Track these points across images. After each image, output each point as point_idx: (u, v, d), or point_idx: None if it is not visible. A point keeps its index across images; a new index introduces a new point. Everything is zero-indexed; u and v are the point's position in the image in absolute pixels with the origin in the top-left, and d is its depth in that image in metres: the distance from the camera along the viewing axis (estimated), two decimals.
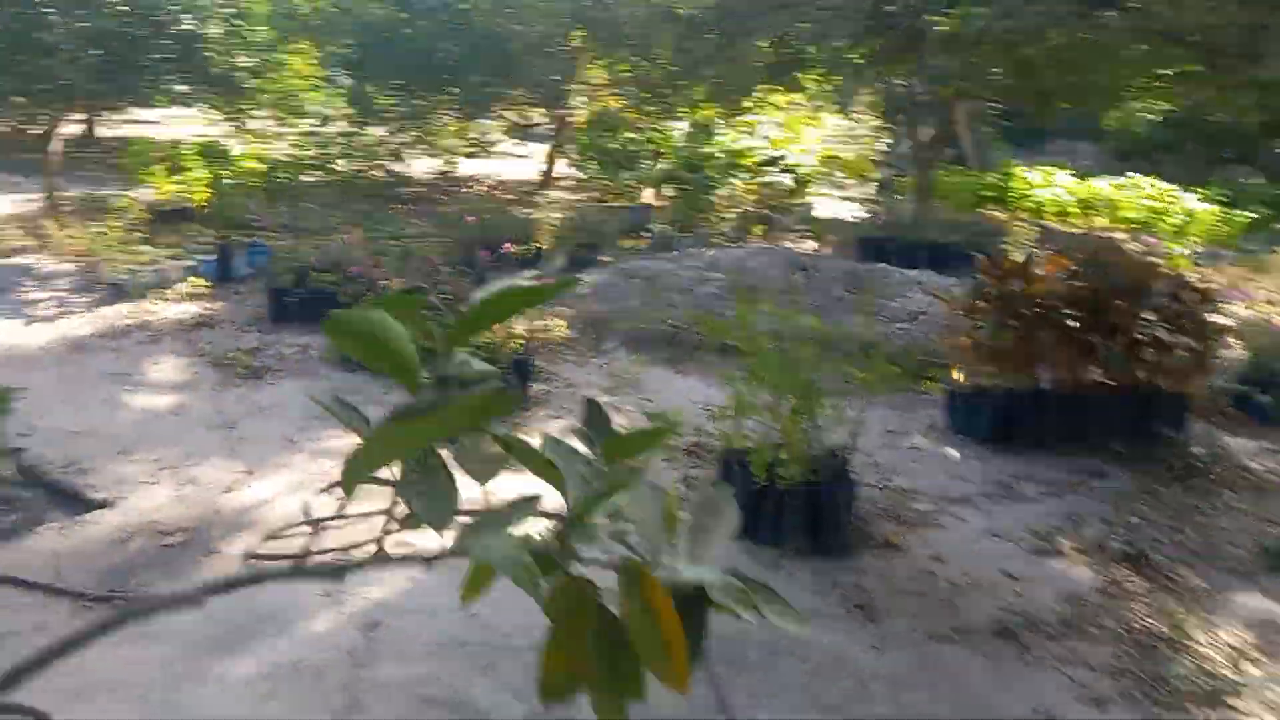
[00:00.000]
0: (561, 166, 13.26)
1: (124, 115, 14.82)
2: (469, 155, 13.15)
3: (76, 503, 4.07)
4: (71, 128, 12.83)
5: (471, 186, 13.00)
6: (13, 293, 6.84)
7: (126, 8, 8.39)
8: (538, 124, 14.92)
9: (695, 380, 6.21)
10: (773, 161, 11.39)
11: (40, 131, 9.00)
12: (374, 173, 11.50)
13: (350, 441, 0.73)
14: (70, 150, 12.25)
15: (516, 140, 14.22)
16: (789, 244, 10.56)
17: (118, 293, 6.98)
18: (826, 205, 12.83)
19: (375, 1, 11.34)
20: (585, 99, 12.96)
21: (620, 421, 5.19)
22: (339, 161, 10.71)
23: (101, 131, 14.74)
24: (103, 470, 4.35)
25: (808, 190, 12.12)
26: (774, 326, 4.65)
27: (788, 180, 11.47)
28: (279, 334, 6.57)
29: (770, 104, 10.95)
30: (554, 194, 12.55)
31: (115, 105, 11.38)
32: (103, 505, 4.03)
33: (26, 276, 7.25)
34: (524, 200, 11.89)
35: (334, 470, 4.55)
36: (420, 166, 12.80)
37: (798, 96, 11.04)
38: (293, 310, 6.72)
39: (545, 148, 13.92)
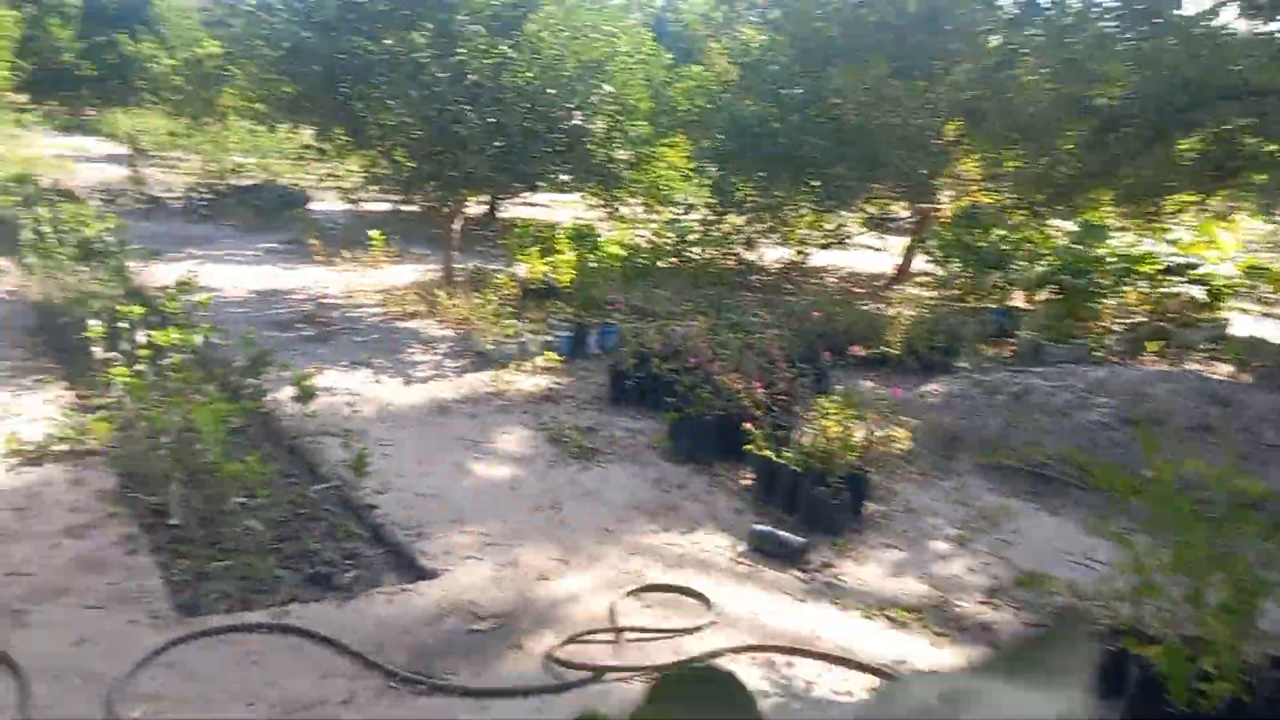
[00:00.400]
0: (919, 262, 12.49)
1: (521, 199, 16.68)
2: (823, 246, 12.87)
3: (410, 569, 4.18)
4: (475, 208, 14.61)
5: (822, 277, 12.68)
6: (401, 353, 7.63)
7: (528, 105, 9.24)
8: (898, 218, 14.30)
9: (1070, 525, 5.19)
10: (1180, 269, 9.72)
11: (447, 211, 10.18)
12: (727, 260, 11.62)
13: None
14: (471, 228, 13.91)
15: (874, 233, 13.72)
16: (1195, 366, 8.85)
17: (484, 361, 7.51)
18: (1246, 323, 10.70)
19: (750, 99, 11.59)
20: (953, 193, 12.15)
21: (969, 565, 4.40)
22: (694, 249, 10.95)
23: (502, 213, 16.66)
24: (437, 537, 4.47)
25: (1224, 304, 10.18)
26: (1188, 479, 3.64)
27: (1197, 292, 9.70)
28: (615, 415, 6.61)
29: (1192, 205, 9.37)
30: (909, 290, 11.80)
31: (511, 191, 12.70)
32: (431, 576, 4.10)
33: (415, 339, 8.08)
34: (875, 295, 11.30)
35: (645, 570, 4.29)
36: (772, 255, 12.76)
37: (1219, 197, 9.35)
38: (631, 393, 6.75)
39: (903, 241, 13.24)
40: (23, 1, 29.35)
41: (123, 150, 22.44)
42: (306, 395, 4.94)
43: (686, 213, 11.84)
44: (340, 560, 4.22)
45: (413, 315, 8.83)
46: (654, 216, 11.88)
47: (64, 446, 4.87)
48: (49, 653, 3.19)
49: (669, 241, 10.85)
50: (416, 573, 4.15)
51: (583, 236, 9.47)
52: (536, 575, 4.22)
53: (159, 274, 8.95)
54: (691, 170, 13.19)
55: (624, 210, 12.16)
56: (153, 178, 16.44)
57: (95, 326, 6.04)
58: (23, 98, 29.30)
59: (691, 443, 5.82)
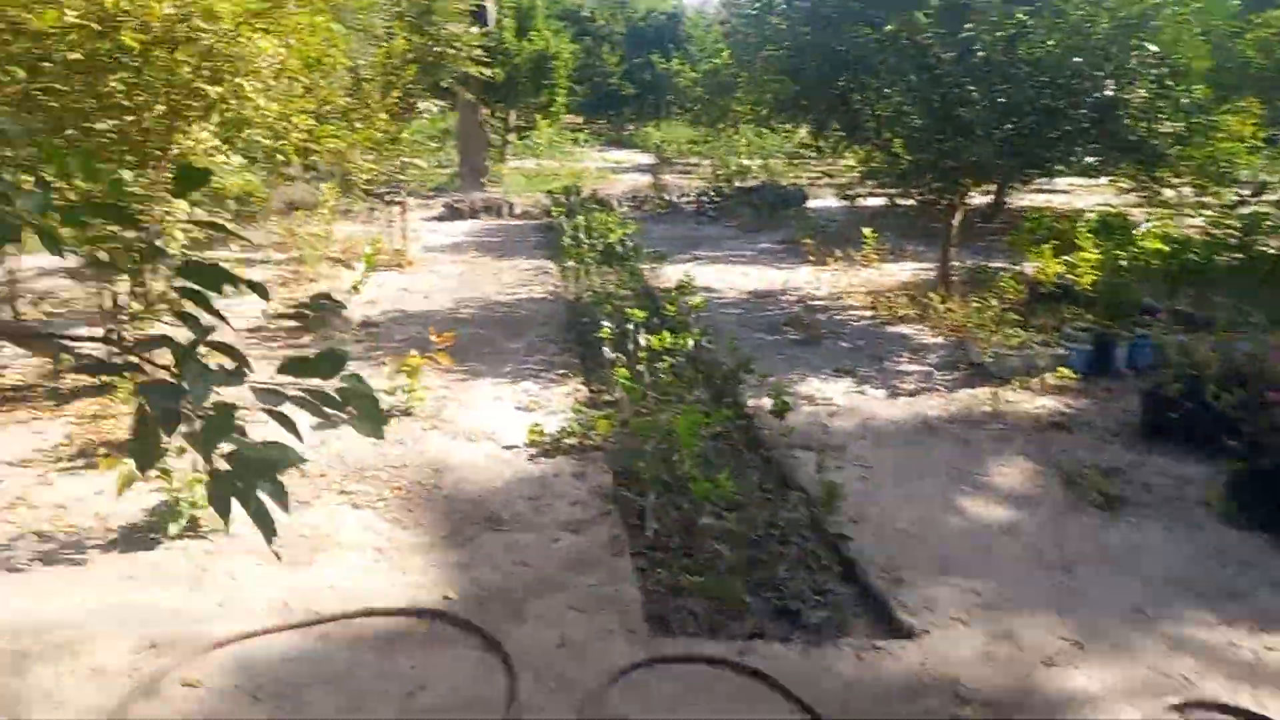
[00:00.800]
0: None
1: (1034, 185, 14.99)
2: None
3: (884, 622, 3.70)
4: (979, 198, 13.44)
5: None
6: (888, 361, 7.13)
7: (1046, 78, 8.04)
8: None
9: None
10: None
11: (946, 204, 9.39)
12: None
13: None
14: (973, 221, 12.81)
15: None
16: None
17: (981, 374, 6.68)
18: None
19: None
20: None
21: None
22: (1270, 241, 8.63)
23: (1010, 202, 15.15)
24: (917, 587, 3.92)
25: None
26: None
27: None
28: (1150, 454, 5.36)
29: None
30: None
31: (1022, 178, 11.38)
32: (907, 634, 3.58)
33: (903, 346, 7.52)
34: None
35: (1196, 678, 3.24)
36: None
37: None
38: (1174, 427, 5.42)
39: None
40: (581, 35, 34.62)
41: (651, 160, 25.23)
42: (781, 409, 4.71)
43: (1257, 195, 9.42)
44: (809, 594, 3.90)
45: (902, 319, 8.27)
46: (1209, 201, 9.67)
47: (573, 440, 5.29)
48: (536, 650, 3.35)
49: (1231, 232, 8.71)
50: (891, 627, 3.65)
51: (1111, 228, 7.99)
52: (1041, 658, 3.44)
53: (668, 275, 9.63)
54: (1263, 141, 10.52)
55: (1167, 195, 10.12)
56: (671, 184, 18.10)
57: (605, 328, 6.57)
58: (578, 119, 34.58)
59: (1269, 505, 4.42)
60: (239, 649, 3.17)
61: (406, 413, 5.70)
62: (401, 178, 10.92)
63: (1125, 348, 6.82)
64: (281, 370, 1.80)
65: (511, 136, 22.68)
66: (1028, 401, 6.23)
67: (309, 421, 5.59)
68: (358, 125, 10.01)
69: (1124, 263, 7.34)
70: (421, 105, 11.22)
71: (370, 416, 1.84)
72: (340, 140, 9.06)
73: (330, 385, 1.76)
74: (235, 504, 1.66)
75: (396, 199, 11.14)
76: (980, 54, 8.02)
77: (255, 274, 9.78)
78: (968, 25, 8.04)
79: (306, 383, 1.77)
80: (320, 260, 9.86)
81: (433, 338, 5.97)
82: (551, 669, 3.25)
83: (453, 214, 15.23)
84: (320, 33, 6.08)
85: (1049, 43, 7.82)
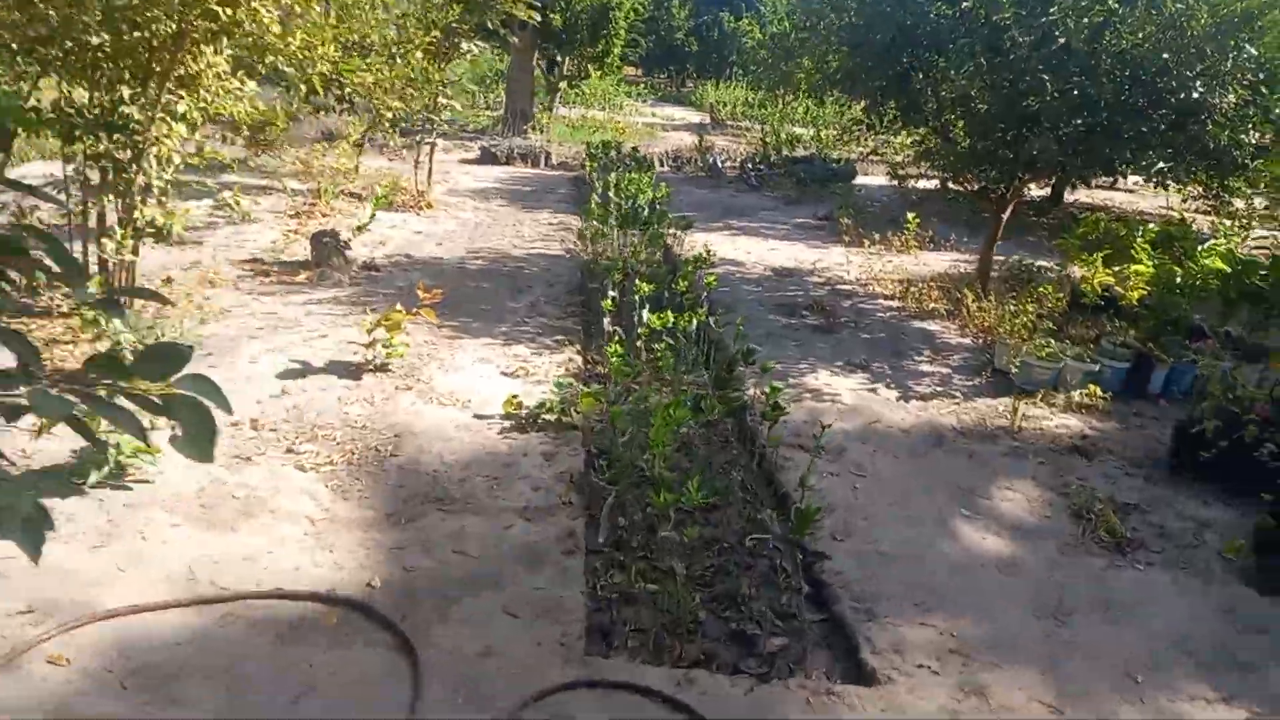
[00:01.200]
0: None
1: (1096, 181, 14.18)
2: None
3: (846, 660, 3.36)
4: (1035, 190, 12.72)
5: None
6: (907, 358, 6.68)
7: (1129, 74, 7.40)
8: None
9: None
10: None
11: (999, 196, 8.80)
12: None
13: None
14: (1026, 213, 12.14)
15: None
16: None
17: (1004, 383, 6.22)
18: None
19: None
20: None
21: None
22: None
23: (1068, 195, 14.38)
24: (890, 623, 3.55)
25: None
26: None
27: None
28: (1174, 492, 4.90)
29: None
30: None
31: (1085, 176, 10.68)
32: (868, 680, 3.23)
33: (926, 344, 7.05)
34: None
35: None
36: None
37: None
38: (1204, 465, 4.94)
39: None
40: None
41: (702, 119, 24.54)
42: (774, 415, 4.32)
43: None
44: (770, 617, 3.57)
45: (930, 314, 7.78)
46: None
47: (551, 416, 4.97)
48: (455, 657, 3.07)
49: None
50: (853, 669, 3.31)
51: (1172, 239, 7.39)
52: None
53: (697, 242, 9.22)
54: None
55: (1238, 205, 9.40)
56: (719, 146, 17.50)
57: (609, 298, 6.20)
58: (638, 71, 33.83)
59: None
60: (124, 624, 2.91)
61: (382, 368, 5.42)
62: (433, 117, 10.54)
63: (1165, 371, 6.30)
64: (88, 365, 1.47)
65: (563, 85, 22.13)
66: (1049, 418, 5.77)
67: (272, 367, 5.28)
68: (397, 61, 9.67)
69: (1179, 279, 6.76)
70: (464, 46, 10.76)
71: (197, 436, 1.44)
72: (368, 75, 8.73)
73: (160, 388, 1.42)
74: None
75: (426, 139, 10.79)
76: (1061, 40, 7.39)
77: (269, 203, 9.55)
78: (1051, 9, 7.41)
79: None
80: (336, 194, 9.59)
81: (419, 293, 5.66)
82: (466, 681, 2.96)
83: (488, 158, 14.87)
84: None
85: (1138, 35, 7.16)
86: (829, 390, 5.93)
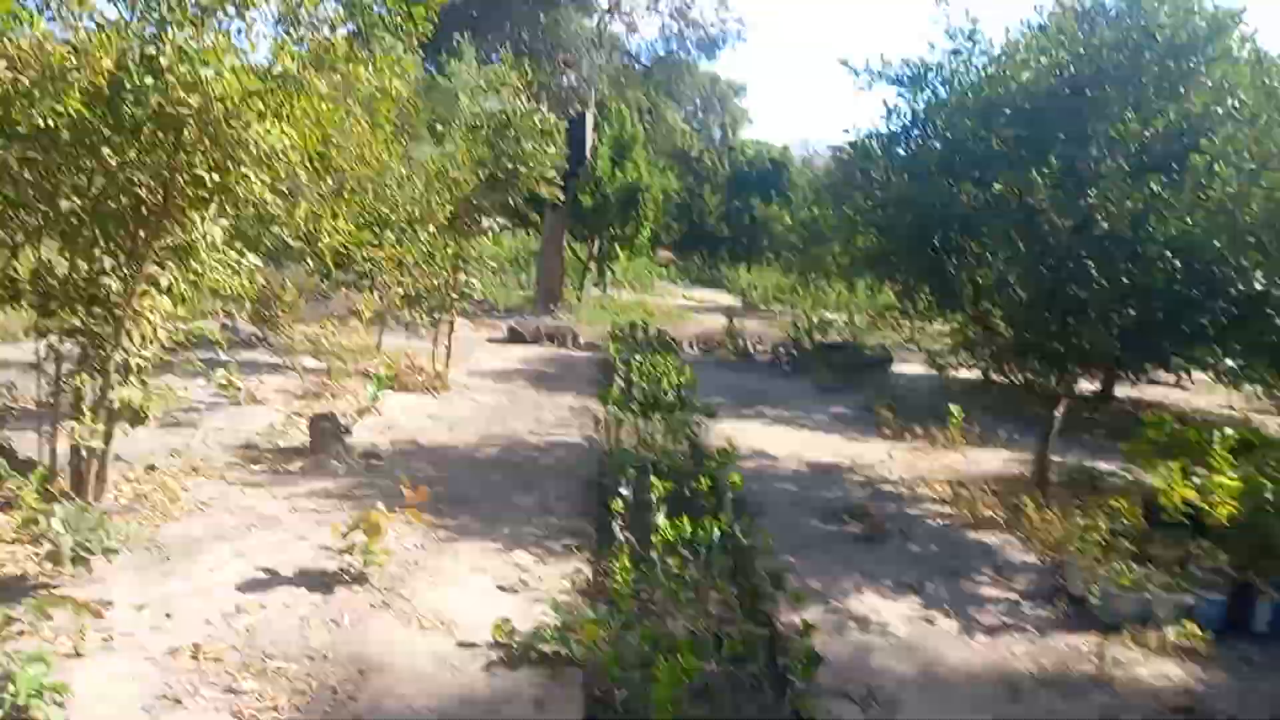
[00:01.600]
0: None
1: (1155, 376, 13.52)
2: None
3: None
4: (1085, 384, 12.07)
5: None
6: (965, 578, 5.84)
7: (1178, 263, 6.93)
8: None
9: None
10: None
11: (1049, 390, 8.17)
12: None
13: None
14: (1079, 409, 11.42)
15: None
16: None
17: (1083, 615, 5.33)
18: None
19: None
20: None
21: None
22: None
23: (1119, 390, 13.69)
24: None
25: None
26: None
27: None
28: None
29: None
30: None
31: (1141, 369, 10.07)
32: None
33: (986, 560, 6.20)
34: None
35: None
36: None
37: None
38: None
39: None
40: (687, 172, 35.07)
41: (733, 302, 24.62)
42: (808, 669, 3.53)
43: None
44: None
45: (988, 523, 6.95)
46: None
47: (548, 647, 4.18)
48: None
49: None
50: None
51: (1253, 447, 6.62)
52: None
53: (726, 430, 8.62)
54: None
55: None
56: (750, 330, 17.24)
57: (618, 499, 5.52)
58: (669, 254, 34.56)
59: None
60: None
61: (359, 579, 4.71)
62: (451, 295, 10.29)
63: (1271, 605, 5.39)
64: None
65: (593, 265, 22.43)
66: (1144, 664, 4.83)
67: (235, 575, 4.50)
68: (414, 233, 9.52)
69: (1270, 492, 5.95)
70: (486, 222, 10.68)
71: None
72: (379, 250, 8.52)
73: None
74: None
75: (445, 316, 10.51)
76: (1103, 225, 6.99)
77: (278, 382, 9.16)
78: (1090, 192, 7.06)
79: None
80: (352, 374, 9.20)
81: (405, 490, 5.03)
82: None
83: (515, 337, 14.66)
84: (331, 123, 5.44)
85: (1186, 220, 6.74)
86: (877, 618, 5.08)
